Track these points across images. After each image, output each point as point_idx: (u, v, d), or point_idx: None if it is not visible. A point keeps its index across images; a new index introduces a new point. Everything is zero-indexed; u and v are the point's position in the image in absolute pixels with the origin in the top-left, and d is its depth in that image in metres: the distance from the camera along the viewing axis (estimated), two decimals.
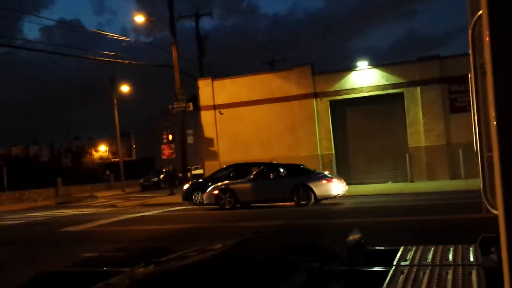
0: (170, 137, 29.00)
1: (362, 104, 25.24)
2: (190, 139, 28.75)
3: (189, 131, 28.76)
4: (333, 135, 25.75)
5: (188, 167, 31.84)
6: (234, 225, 13.53)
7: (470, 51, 1.76)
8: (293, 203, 16.98)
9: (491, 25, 1.35)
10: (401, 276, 2.49)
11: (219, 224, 14.05)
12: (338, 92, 25.52)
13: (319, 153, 25.54)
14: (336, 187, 17.05)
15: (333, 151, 25.58)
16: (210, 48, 37.25)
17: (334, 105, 25.80)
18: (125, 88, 39.99)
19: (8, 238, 13.80)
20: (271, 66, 45.08)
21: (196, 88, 28.63)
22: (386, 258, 2.98)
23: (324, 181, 16.99)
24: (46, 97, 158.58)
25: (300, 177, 17.37)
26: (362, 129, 25.35)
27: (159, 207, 21.43)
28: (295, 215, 14.98)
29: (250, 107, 26.81)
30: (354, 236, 3.12)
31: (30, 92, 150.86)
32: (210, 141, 27.71)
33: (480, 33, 1.54)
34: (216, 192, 17.81)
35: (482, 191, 1.83)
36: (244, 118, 26.87)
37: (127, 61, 28.42)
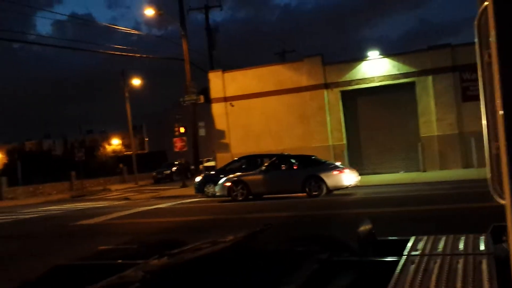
0: (182, 129, 29.09)
1: (373, 94, 25.12)
2: (201, 132, 28.85)
3: (201, 124, 28.85)
4: (345, 126, 25.69)
5: (200, 159, 31.99)
6: (246, 216, 13.59)
7: (476, 41, 1.76)
8: (305, 194, 17.01)
9: (497, 16, 1.36)
10: (412, 266, 2.50)
11: (231, 216, 14.12)
12: (349, 82, 25.42)
13: (330, 143, 25.51)
14: (348, 178, 17.03)
15: (345, 142, 25.54)
16: (221, 40, 37.28)
17: (345, 95, 25.71)
18: (136, 82, 40.18)
19: (24, 232, 14.00)
20: (282, 57, 44.94)
21: (206, 81, 28.69)
22: (396, 248, 2.99)
23: (335, 172, 16.99)
24: (59, 91, 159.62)
25: (311, 168, 17.37)
26: (374, 119, 25.25)
27: (172, 199, 21.56)
28: (306, 206, 15.00)
29: (261, 99, 26.81)
30: (364, 227, 3.13)
31: (42, 87, 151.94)
32: (222, 133, 27.78)
33: (486, 24, 1.54)
34: (228, 184, 17.88)
35: (489, 181, 1.83)
36: (255, 110, 26.88)
37: (138, 55, 28.60)
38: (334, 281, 2.60)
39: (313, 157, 18.51)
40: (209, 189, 20.36)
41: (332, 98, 25.73)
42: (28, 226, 15.51)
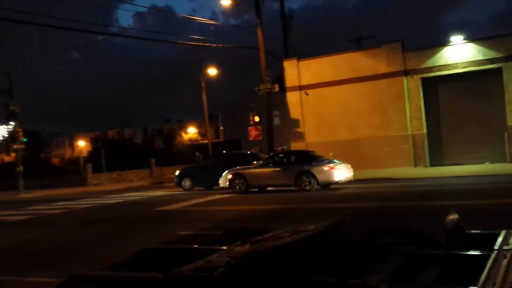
0: (257, 118, 29.27)
1: (456, 81, 24.04)
2: (276, 121, 28.90)
3: (275, 113, 28.89)
4: (425, 114, 24.80)
5: (275, 148, 32.10)
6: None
7: None
8: (297, 187, 17.71)
9: None
10: (504, 260, 2.38)
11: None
12: (431, 69, 24.47)
13: (409, 133, 24.73)
14: (339, 173, 17.54)
15: (425, 131, 24.65)
16: (296, 28, 36.92)
17: (426, 82, 24.80)
18: (212, 71, 40.84)
19: (108, 216, 14.75)
20: (358, 44, 43.92)
21: (281, 69, 28.67)
22: (484, 242, 2.86)
23: (326, 168, 17.48)
24: (139, 82, 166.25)
25: (305, 163, 18.04)
26: (457, 107, 24.17)
27: None
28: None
29: (336, 87, 26.45)
30: (452, 219, 3.01)
31: (124, 78, 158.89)
32: (296, 122, 27.73)
33: None
34: (230, 176, 19.03)
35: None
36: (330, 98, 26.58)
37: (214, 45, 28.98)
38: (421, 274, 2.53)
39: (311, 153, 19.42)
40: (186, 183, 22.31)
41: (412, 86, 24.90)
42: (113, 211, 16.30)
